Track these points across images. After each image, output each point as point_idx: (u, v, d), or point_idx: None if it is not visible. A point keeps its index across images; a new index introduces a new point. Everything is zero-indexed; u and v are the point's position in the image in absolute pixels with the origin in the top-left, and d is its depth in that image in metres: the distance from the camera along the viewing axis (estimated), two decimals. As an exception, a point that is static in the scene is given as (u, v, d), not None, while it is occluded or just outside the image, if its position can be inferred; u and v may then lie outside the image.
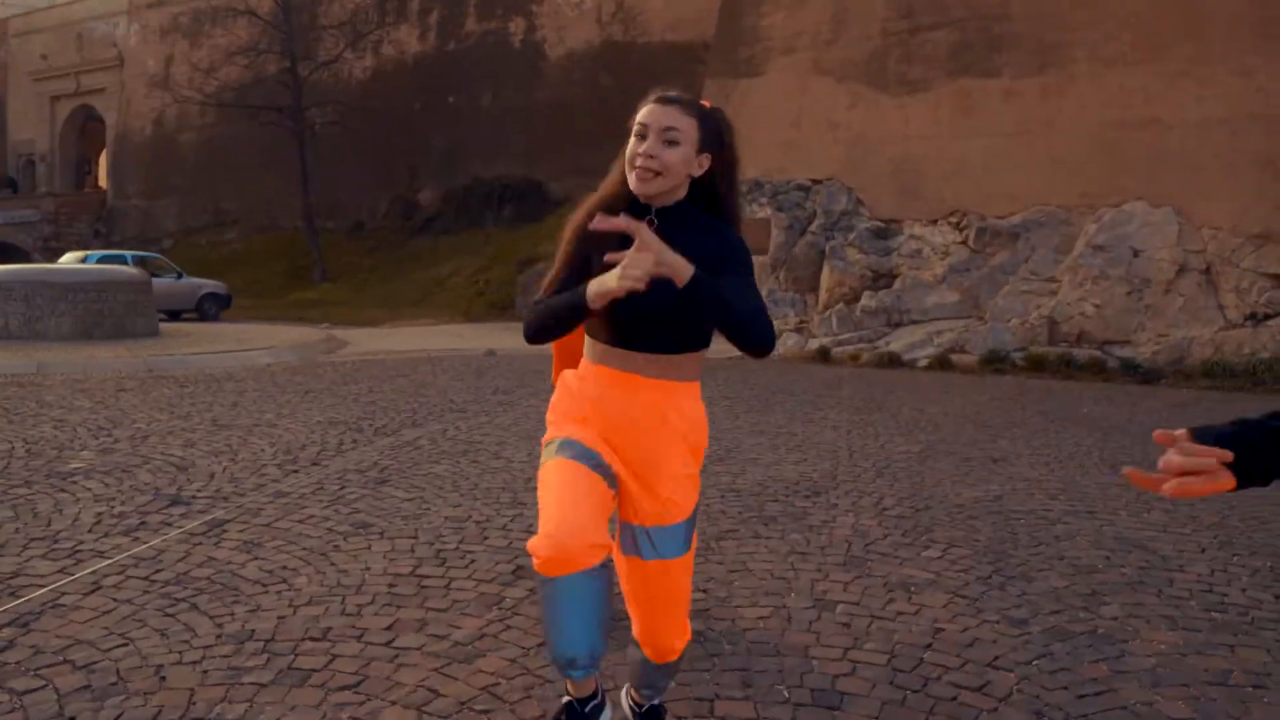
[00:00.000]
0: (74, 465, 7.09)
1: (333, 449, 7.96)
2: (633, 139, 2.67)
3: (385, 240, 34.23)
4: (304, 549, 5.24)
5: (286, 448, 7.96)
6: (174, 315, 24.51)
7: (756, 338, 2.57)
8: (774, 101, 19.03)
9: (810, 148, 18.45)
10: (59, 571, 4.75)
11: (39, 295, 15.55)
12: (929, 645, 4.06)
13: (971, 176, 16.87)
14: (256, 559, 5.04)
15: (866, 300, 17.24)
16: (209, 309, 26.20)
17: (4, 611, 4.21)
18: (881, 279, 17.30)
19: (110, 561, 4.93)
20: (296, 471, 7.11)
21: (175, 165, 41.58)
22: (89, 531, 5.45)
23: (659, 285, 2.47)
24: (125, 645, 3.89)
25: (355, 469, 7.23)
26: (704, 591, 4.69)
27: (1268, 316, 14.23)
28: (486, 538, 5.51)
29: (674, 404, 2.78)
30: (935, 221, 17.15)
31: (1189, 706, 3.49)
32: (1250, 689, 3.67)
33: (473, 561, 5.07)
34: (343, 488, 6.63)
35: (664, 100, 2.68)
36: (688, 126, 2.64)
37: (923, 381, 14.19)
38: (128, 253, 28.05)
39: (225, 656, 3.81)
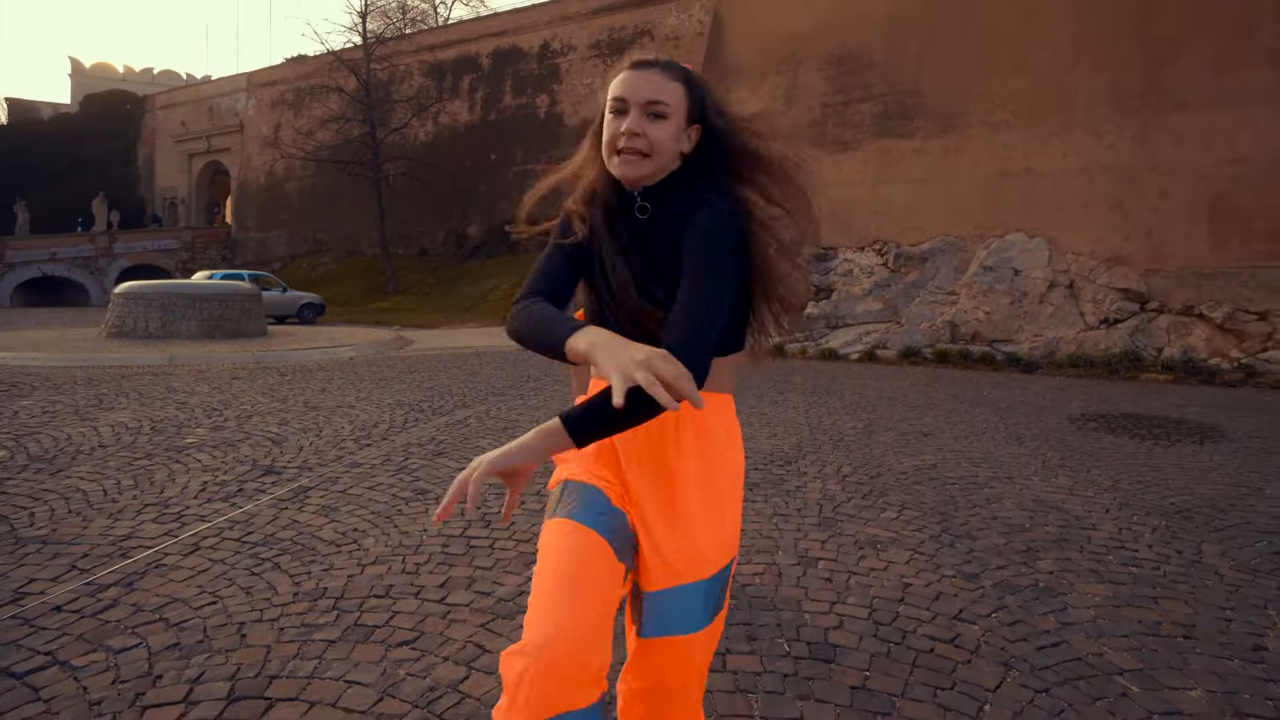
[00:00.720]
0: (189, 440, 6.49)
1: (399, 426, 7.37)
2: (608, 116, 1.66)
3: (443, 263, 33.90)
4: (372, 512, 4.70)
5: (362, 425, 7.38)
6: (280, 320, 24.17)
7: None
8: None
9: (768, 191, 18.11)
10: (165, 534, 4.21)
11: (173, 304, 15.14)
12: (901, 600, 3.63)
13: (891, 214, 16.76)
14: (332, 521, 4.51)
15: (811, 308, 16.95)
16: (307, 315, 25.67)
17: (113, 571, 3.67)
18: (822, 292, 17.04)
19: (209, 524, 4.39)
20: (369, 445, 6.54)
21: (283, 206, 41.32)
22: (194, 498, 4.89)
23: (655, 278, 1.63)
24: (214, 603, 3.38)
25: (416, 443, 6.65)
26: (702, 549, 4.18)
27: (1117, 321, 14.15)
28: (524, 502, 4.96)
29: (694, 422, 1.69)
30: (863, 248, 16.97)
31: (1134, 657, 3.10)
32: (1181, 639, 3.28)
33: (513, 524, 4.53)
34: (406, 459, 6.07)
35: (642, 65, 1.66)
36: (674, 95, 1.64)
37: (856, 371, 13.71)
38: (245, 271, 27.62)
39: (300, 614, 3.30)
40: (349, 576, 3.71)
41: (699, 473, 1.69)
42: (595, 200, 1.74)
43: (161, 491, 5.01)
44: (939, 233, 16.11)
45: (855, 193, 17.01)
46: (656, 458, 1.68)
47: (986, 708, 2.72)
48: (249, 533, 4.27)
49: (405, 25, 39.14)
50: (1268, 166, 13.11)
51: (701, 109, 1.69)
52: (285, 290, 26.10)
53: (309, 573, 3.74)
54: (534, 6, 34.79)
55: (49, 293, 36.53)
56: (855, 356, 15.75)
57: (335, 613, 3.30)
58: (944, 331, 15.45)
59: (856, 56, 17.54)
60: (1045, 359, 14.33)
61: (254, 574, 3.71)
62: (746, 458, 6.38)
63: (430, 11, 46.87)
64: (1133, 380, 12.87)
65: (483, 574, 3.77)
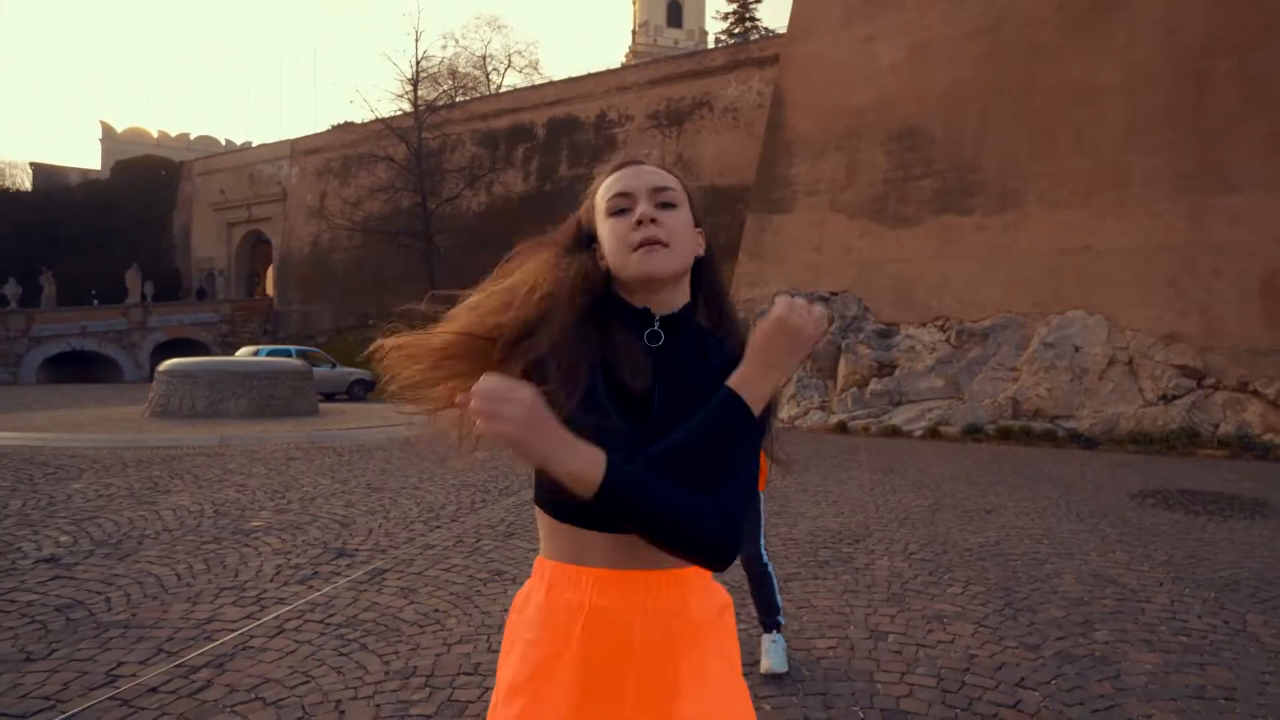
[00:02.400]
0: (254, 523, 6.82)
1: (467, 508, 7.67)
2: (610, 221, 1.44)
3: (500, 339, 34.41)
4: (451, 593, 4.98)
5: (429, 506, 7.69)
6: (329, 397, 24.35)
7: (696, 542, 1.25)
8: (800, 231, 19.21)
9: (829, 267, 18.67)
10: (246, 617, 4.50)
11: (221, 382, 15.36)
12: (967, 669, 3.97)
13: (952, 290, 17.03)
14: (413, 603, 4.78)
15: (874, 385, 17.16)
16: (357, 392, 26.03)
17: (202, 654, 3.95)
18: (885, 368, 17.21)
19: (290, 607, 4.68)
20: (440, 527, 6.84)
21: (328, 277, 41.82)
22: (270, 580, 5.20)
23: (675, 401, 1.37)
24: (308, 682, 3.66)
25: (487, 525, 6.95)
26: (780, 629, 4.54)
27: (1175, 397, 14.39)
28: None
29: (694, 592, 1.42)
30: (925, 324, 17.21)
31: (1180, 718, 3.46)
32: (1223, 701, 3.65)
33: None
34: (478, 540, 6.36)
35: (635, 162, 1.49)
36: (678, 186, 1.47)
37: (919, 448, 13.90)
38: (292, 347, 28.06)
39: (394, 691, 3.57)
40: (436, 655, 3.98)
41: (707, 644, 1.42)
42: (586, 310, 1.43)
43: (236, 575, 5.29)
44: (1000, 309, 16.36)
45: (917, 269, 17.38)
46: (660, 658, 1.37)
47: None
48: (331, 614, 4.54)
49: (455, 92, 39.91)
50: (1315, 247, 13.47)
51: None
52: (334, 366, 26.53)
53: (396, 652, 4.01)
54: (590, 76, 35.57)
55: (77, 368, 36.22)
56: (919, 434, 15.91)
57: (428, 690, 3.57)
58: (1006, 408, 15.60)
59: (917, 133, 17.99)
60: (1105, 435, 14.53)
61: (342, 654, 3.97)
62: (816, 535, 6.76)
63: (482, 78, 48.10)
64: (1190, 456, 13.15)
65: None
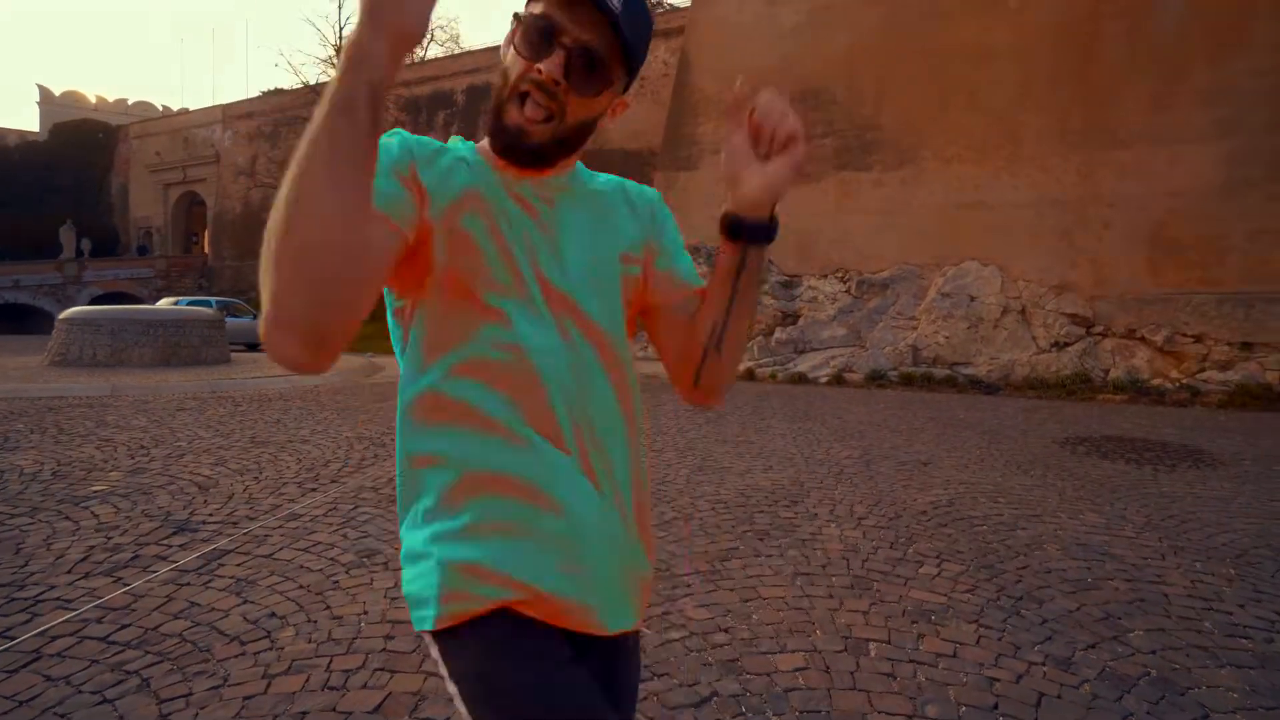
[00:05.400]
0: (95, 488, 5.05)
1: (354, 465, 5.99)
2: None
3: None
4: (300, 587, 3.38)
5: (311, 464, 5.99)
6: (252, 348, 22.30)
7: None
8: (707, 187, 17.51)
9: (734, 221, 17.16)
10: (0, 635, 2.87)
11: (124, 330, 13.27)
12: (995, 707, 2.52)
13: (852, 243, 15.87)
14: (244, 603, 3.20)
15: (779, 333, 15.92)
16: (280, 342, 23.91)
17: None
18: (789, 318, 15.99)
19: (72, 615, 3.03)
20: (315, 490, 5.16)
21: (259, 235, 39.12)
22: (69, 571, 3.52)
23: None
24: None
25: (371, 486, 5.27)
26: (726, 631, 3.03)
27: (1067, 344, 13.56)
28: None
29: None
30: (826, 276, 16.01)
31: None
32: None
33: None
34: (355, 508, 4.69)
35: None
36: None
37: (827, 394, 12.60)
38: (213, 298, 25.58)
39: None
40: (245, 700, 2.44)
41: None
42: None
43: (26, 563, 3.63)
44: (898, 261, 15.32)
45: (818, 223, 16.02)
46: None
47: None
48: (122, 627, 2.95)
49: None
50: (1200, 200, 12.76)
51: None
52: (256, 317, 24.35)
53: (189, 693, 2.45)
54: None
55: (13, 321, 33.51)
56: (824, 380, 14.68)
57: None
58: (906, 355, 14.54)
59: (819, 93, 16.58)
60: (1003, 380, 13.68)
61: (105, 700, 2.41)
62: (748, 495, 5.27)
63: (404, 51, 45.98)
64: (1090, 401, 12.19)
65: (436, 686, 2.54)
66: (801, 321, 15.79)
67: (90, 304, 32.84)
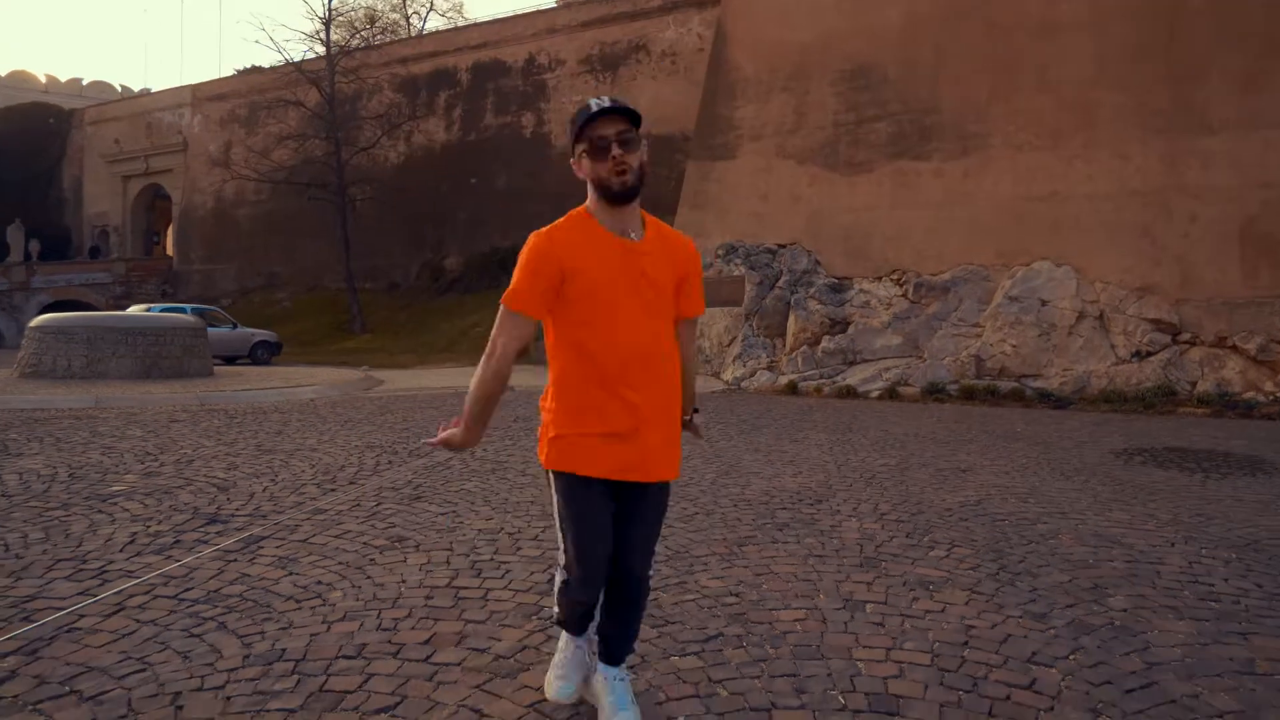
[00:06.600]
0: (116, 488, 6.02)
1: (369, 470, 6.96)
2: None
3: (416, 298, 33.36)
4: (339, 563, 4.30)
5: (325, 469, 6.95)
6: (229, 361, 23.53)
7: None
8: (745, 179, 18.59)
9: (776, 217, 18.08)
10: (81, 593, 3.78)
11: (101, 340, 14.29)
12: (965, 643, 3.41)
13: (909, 241, 16.58)
14: (291, 574, 4.10)
15: (826, 343, 16.68)
16: (261, 355, 25.06)
17: (13, 638, 3.25)
18: (837, 325, 16.74)
19: (138, 581, 3.96)
20: (335, 490, 6.12)
21: (233, 234, 40.54)
22: (120, 551, 4.46)
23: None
24: (142, 670, 2.99)
25: (390, 486, 6.25)
26: (736, 596, 3.91)
27: (1150, 354, 14.10)
28: (519, 548, 4.61)
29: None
30: (880, 278, 16.75)
31: (1233, 698, 2.97)
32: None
33: (508, 572, 4.18)
34: (378, 504, 5.65)
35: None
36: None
37: (878, 409, 13.39)
38: (187, 305, 26.86)
39: (251, 680, 2.92)
40: (312, 635, 3.32)
41: None
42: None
43: (79, 545, 4.56)
44: (960, 261, 15.95)
45: (871, 219, 16.88)
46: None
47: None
48: (187, 589, 3.86)
49: (374, 36, 38.73)
50: (1297, 190, 13.26)
51: None
52: (235, 327, 25.50)
53: (262, 633, 3.34)
54: (518, 17, 34.61)
55: None
56: (876, 394, 15.42)
57: (295, 677, 2.93)
58: (969, 366, 15.19)
59: (869, 72, 17.45)
60: (1076, 394, 14.16)
61: (193, 635, 3.31)
62: (772, 495, 6.18)
63: (402, 23, 46.75)
64: (1170, 415, 12.72)
65: (475, 629, 3.43)
66: (852, 329, 16.56)
67: (40, 313, 34.00)
